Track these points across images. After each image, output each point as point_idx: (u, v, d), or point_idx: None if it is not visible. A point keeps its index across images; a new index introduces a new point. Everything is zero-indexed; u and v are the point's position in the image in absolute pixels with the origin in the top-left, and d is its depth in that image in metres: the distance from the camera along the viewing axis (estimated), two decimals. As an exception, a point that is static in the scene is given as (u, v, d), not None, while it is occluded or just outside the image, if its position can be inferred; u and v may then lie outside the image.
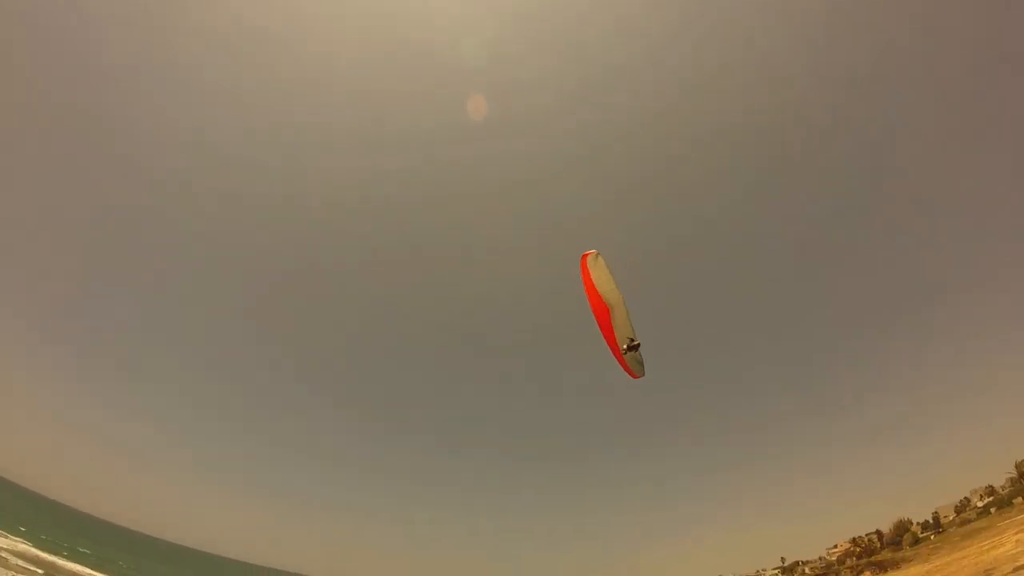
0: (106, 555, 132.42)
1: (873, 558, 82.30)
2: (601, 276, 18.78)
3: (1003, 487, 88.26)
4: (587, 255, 18.78)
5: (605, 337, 18.99)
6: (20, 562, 63.03)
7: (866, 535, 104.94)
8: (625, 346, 19.55)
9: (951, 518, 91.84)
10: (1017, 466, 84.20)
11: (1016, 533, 47.28)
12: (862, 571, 75.54)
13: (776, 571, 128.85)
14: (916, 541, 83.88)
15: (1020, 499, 74.25)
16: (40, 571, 69.43)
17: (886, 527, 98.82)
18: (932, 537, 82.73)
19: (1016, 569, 28.72)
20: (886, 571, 69.46)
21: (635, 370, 19.15)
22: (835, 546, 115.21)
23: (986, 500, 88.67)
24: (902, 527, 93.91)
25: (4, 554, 63.47)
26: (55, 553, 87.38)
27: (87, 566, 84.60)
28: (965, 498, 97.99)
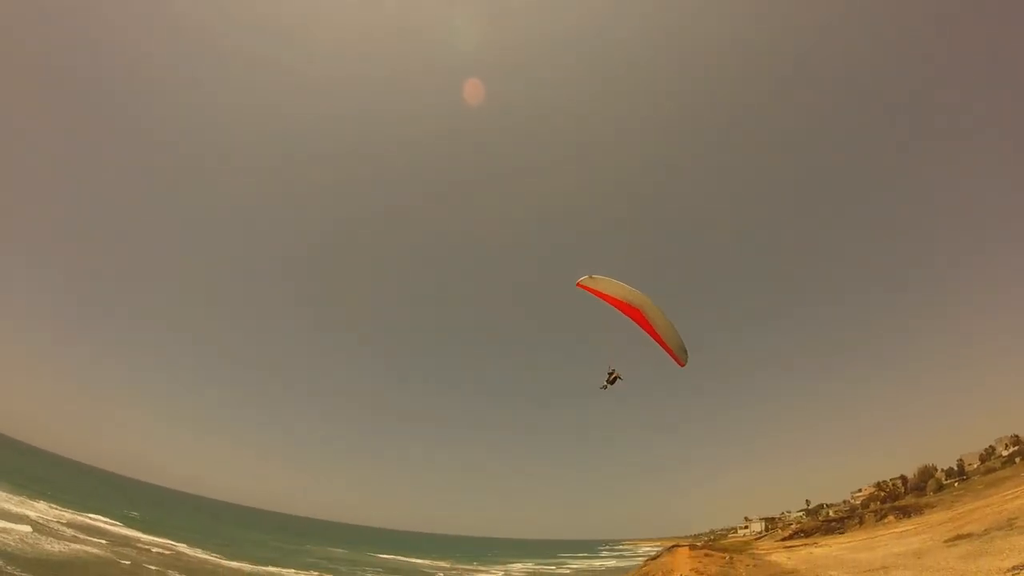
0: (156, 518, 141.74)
1: (897, 503, 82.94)
2: (608, 287, 18.43)
3: None
4: (580, 283, 18.41)
5: (648, 333, 18.56)
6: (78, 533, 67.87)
7: (890, 480, 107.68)
8: (606, 379, 19.42)
9: (975, 466, 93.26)
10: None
11: None
12: (885, 515, 76.89)
13: (801, 513, 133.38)
14: (940, 488, 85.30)
15: (1046, 450, 75.22)
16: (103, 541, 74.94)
17: (910, 473, 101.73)
18: (956, 484, 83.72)
19: None
20: (909, 516, 70.63)
21: (681, 358, 19.01)
22: (859, 490, 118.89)
23: (1011, 449, 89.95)
24: (926, 473, 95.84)
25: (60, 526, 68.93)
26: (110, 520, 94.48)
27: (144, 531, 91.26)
28: (990, 447, 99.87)
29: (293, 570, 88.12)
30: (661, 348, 18.85)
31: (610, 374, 19.31)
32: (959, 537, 35.49)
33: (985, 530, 34.33)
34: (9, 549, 49.51)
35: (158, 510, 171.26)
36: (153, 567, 59.49)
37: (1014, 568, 19.30)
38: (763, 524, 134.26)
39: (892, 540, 49.13)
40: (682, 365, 19.24)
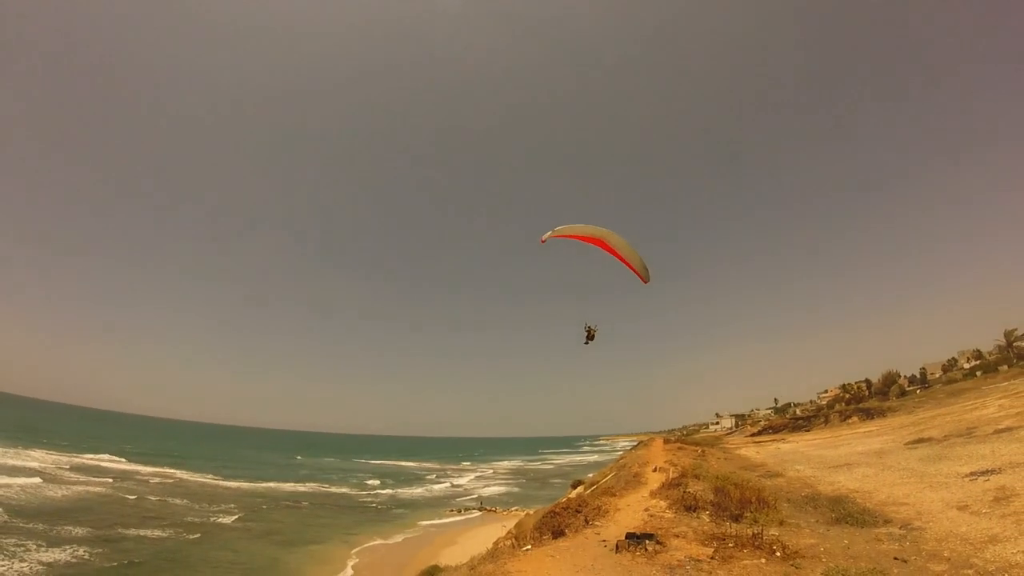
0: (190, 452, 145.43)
1: (861, 404, 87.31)
2: (570, 229, 19.48)
3: (990, 353, 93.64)
4: (543, 239, 19.29)
5: (615, 257, 19.68)
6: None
7: (855, 383, 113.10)
8: (586, 336, 20.05)
9: (938, 376, 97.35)
10: (1006, 334, 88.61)
11: (1000, 398, 51.47)
12: (850, 416, 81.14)
13: (769, 411, 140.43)
14: (903, 393, 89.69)
15: (1006, 367, 78.03)
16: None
17: (875, 378, 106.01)
18: (918, 391, 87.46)
19: (997, 431, 33.25)
20: (872, 418, 74.44)
21: (644, 276, 20.13)
22: (825, 391, 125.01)
23: (973, 363, 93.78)
24: (890, 379, 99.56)
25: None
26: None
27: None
28: (953, 358, 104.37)
29: (292, 483, 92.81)
30: (627, 268, 20.02)
31: (588, 331, 20.10)
32: (920, 441, 38.25)
33: (945, 436, 37.05)
34: (19, 500, 51.08)
35: (150, 441, 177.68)
36: (155, 497, 61.97)
37: (971, 474, 21.66)
38: (733, 421, 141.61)
39: (855, 439, 52.28)
40: (645, 282, 20.47)
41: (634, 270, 20.20)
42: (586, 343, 20.07)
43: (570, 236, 19.69)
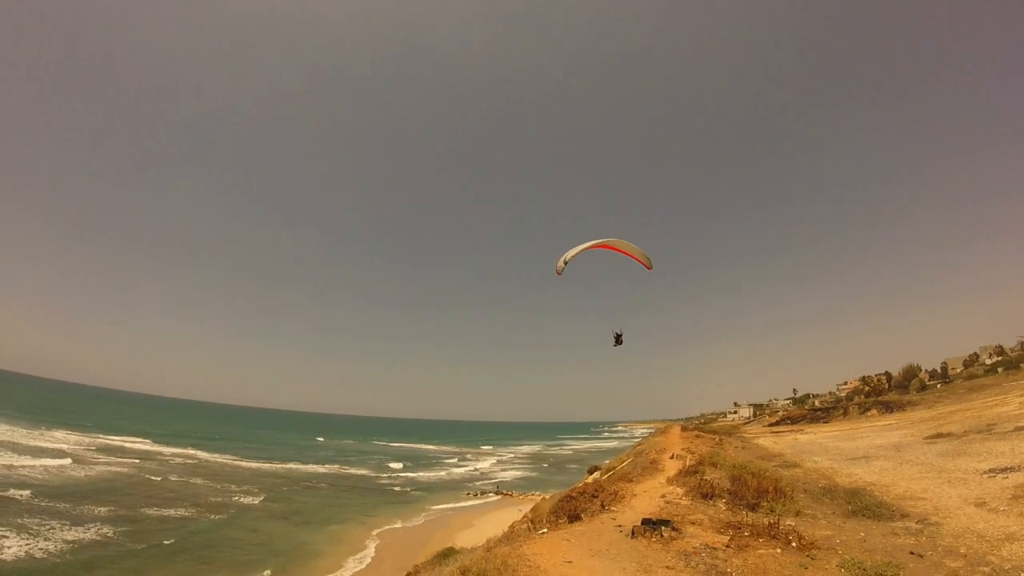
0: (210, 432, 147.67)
1: (880, 398, 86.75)
2: (577, 248, 20.61)
3: (1013, 349, 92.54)
4: (559, 270, 20.64)
5: (620, 252, 21.22)
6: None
7: (875, 376, 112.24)
8: (614, 341, 21.43)
9: (959, 371, 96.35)
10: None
11: (1021, 395, 50.82)
12: (869, 408, 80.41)
13: (787, 402, 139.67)
14: (923, 387, 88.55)
15: (1028, 363, 77.24)
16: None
17: (895, 371, 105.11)
18: (939, 386, 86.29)
19: (1017, 429, 32.90)
20: (892, 411, 73.67)
21: (647, 263, 21.41)
22: (845, 383, 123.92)
23: (995, 359, 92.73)
24: (911, 372, 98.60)
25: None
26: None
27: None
28: (974, 354, 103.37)
29: (312, 464, 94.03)
30: (631, 259, 21.45)
31: (617, 336, 21.47)
32: (939, 436, 37.96)
33: (964, 432, 36.74)
34: (44, 481, 51.74)
35: (171, 422, 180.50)
36: (177, 478, 63.04)
37: (990, 471, 21.54)
38: (751, 410, 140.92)
39: (874, 432, 51.95)
40: (648, 268, 21.66)
41: (636, 258, 21.32)
42: (615, 346, 21.43)
43: (581, 251, 20.83)
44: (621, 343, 21.43)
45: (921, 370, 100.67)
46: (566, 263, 20.65)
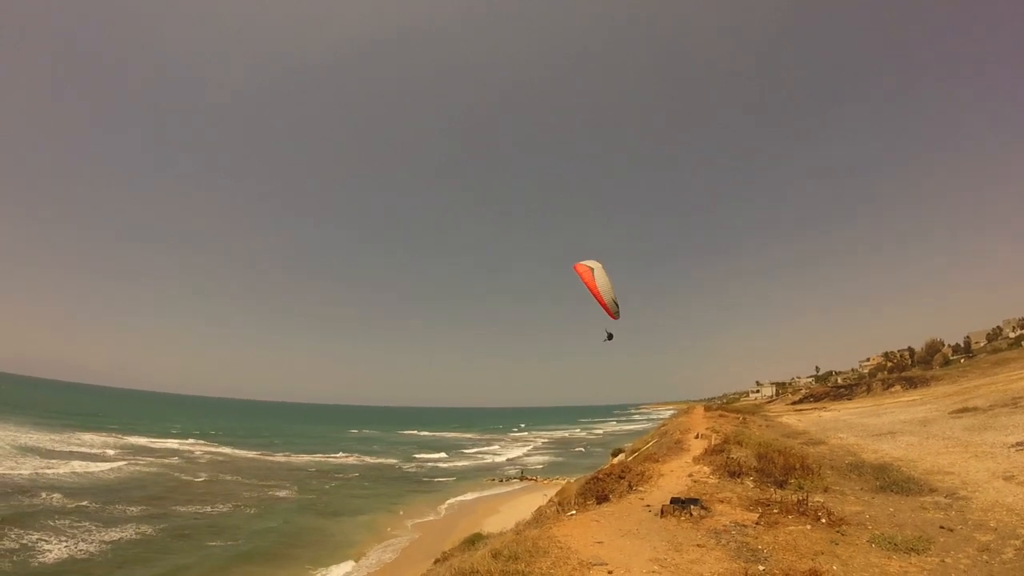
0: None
1: (904, 373, 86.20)
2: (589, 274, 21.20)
3: None
4: (594, 287, 21.02)
5: (588, 287, 21.28)
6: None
7: (898, 351, 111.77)
8: (607, 336, 22.13)
9: (982, 345, 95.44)
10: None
11: None
12: (892, 384, 79.84)
13: (810, 380, 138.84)
14: (946, 362, 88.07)
15: (1054, 335, 76.37)
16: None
17: (918, 346, 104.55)
18: (962, 360, 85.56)
19: None
20: (915, 387, 73.07)
21: (614, 312, 21.42)
22: (867, 359, 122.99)
23: (1018, 332, 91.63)
24: (934, 347, 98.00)
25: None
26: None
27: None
28: (998, 327, 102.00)
29: (340, 456, 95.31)
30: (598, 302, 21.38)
31: (609, 335, 22.22)
32: (964, 410, 37.67)
33: (990, 406, 36.45)
34: (76, 483, 52.41)
35: (195, 419, 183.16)
36: (207, 475, 64.19)
37: (1018, 444, 21.39)
38: (774, 389, 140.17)
39: (898, 408, 51.68)
40: (613, 318, 21.66)
41: (605, 308, 21.23)
42: (605, 341, 22.28)
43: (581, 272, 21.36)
44: (612, 339, 22.23)
45: (944, 345, 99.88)
46: (617, 304, 21.17)
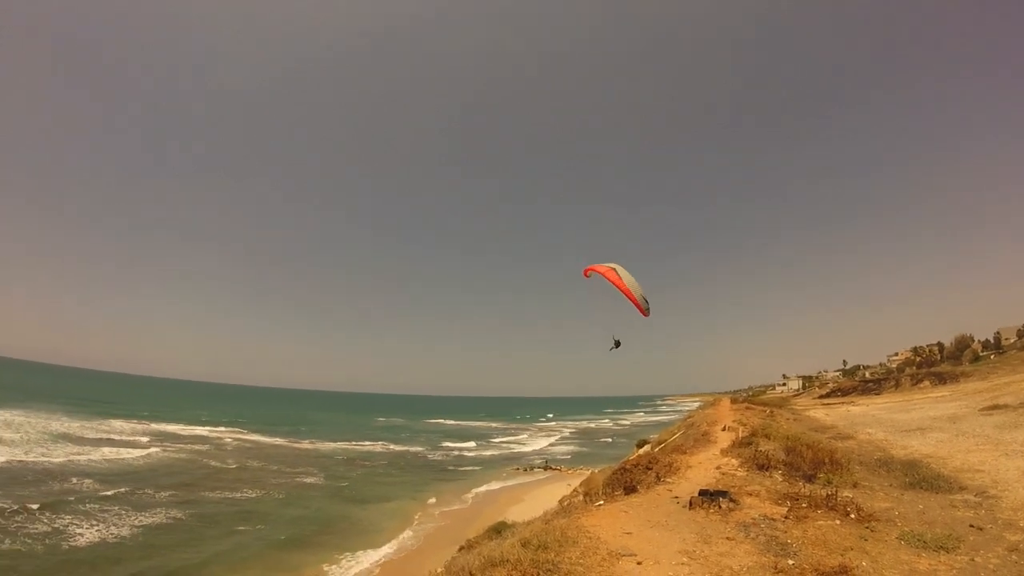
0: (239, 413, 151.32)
1: (932, 368, 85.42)
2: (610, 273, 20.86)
3: None
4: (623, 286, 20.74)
5: (616, 286, 20.84)
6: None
7: (927, 346, 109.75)
8: (613, 344, 21.57)
9: (1012, 341, 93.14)
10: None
11: None
12: (921, 380, 79.01)
13: (837, 373, 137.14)
14: (976, 358, 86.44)
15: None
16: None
17: (947, 341, 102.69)
18: (992, 357, 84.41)
19: None
20: (945, 382, 72.35)
21: (645, 309, 21.05)
22: (896, 354, 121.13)
23: None
24: (963, 343, 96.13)
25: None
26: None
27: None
28: None
29: (367, 443, 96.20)
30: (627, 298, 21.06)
31: (617, 342, 21.70)
32: (995, 407, 37.33)
33: (1021, 403, 35.94)
34: (107, 469, 53.23)
35: (222, 407, 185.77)
36: (235, 461, 65.03)
37: None
38: (801, 382, 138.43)
39: (928, 404, 51.17)
40: (645, 316, 21.32)
41: (636, 303, 21.03)
42: (613, 348, 21.79)
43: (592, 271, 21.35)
44: (619, 346, 21.77)
45: (974, 340, 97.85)
46: (647, 300, 21.01)
